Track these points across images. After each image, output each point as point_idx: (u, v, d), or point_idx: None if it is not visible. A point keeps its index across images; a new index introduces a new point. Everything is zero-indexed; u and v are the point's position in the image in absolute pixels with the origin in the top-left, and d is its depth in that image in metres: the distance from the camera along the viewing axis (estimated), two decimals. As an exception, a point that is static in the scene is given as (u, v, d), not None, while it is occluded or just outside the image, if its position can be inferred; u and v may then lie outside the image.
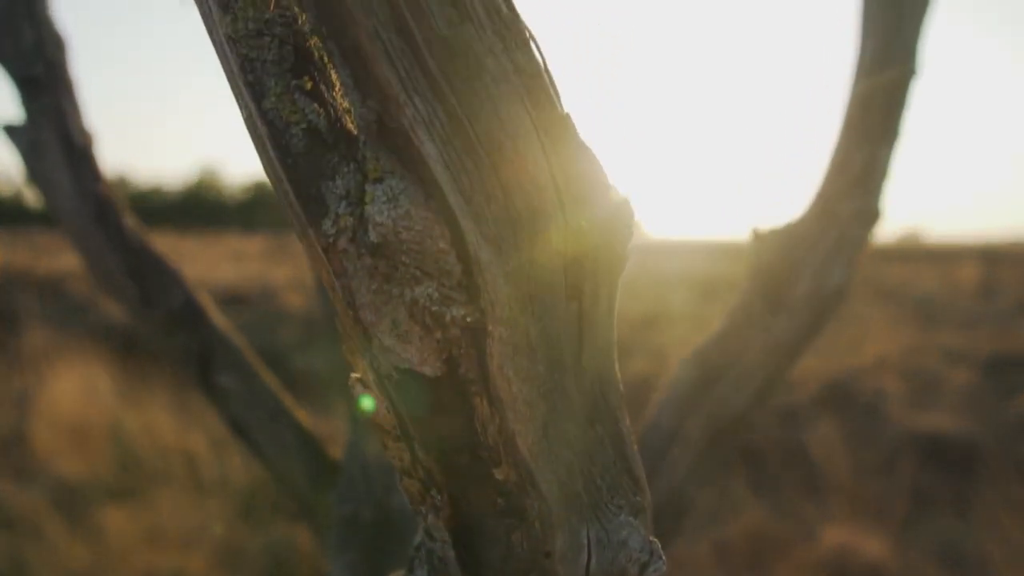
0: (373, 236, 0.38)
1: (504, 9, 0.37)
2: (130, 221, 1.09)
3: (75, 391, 4.44)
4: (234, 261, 12.37)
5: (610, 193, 0.43)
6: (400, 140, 0.38)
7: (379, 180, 0.38)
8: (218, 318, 1.13)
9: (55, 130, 1.03)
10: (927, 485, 3.93)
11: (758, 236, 1.18)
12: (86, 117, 1.09)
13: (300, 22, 0.39)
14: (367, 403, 0.42)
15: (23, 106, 1.04)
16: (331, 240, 0.40)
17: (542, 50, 0.40)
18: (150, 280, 1.08)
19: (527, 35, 0.38)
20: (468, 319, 0.40)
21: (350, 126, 0.41)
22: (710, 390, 1.14)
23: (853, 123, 1.15)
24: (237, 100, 0.40)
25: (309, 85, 0.39)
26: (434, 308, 0.39)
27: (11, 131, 1.06)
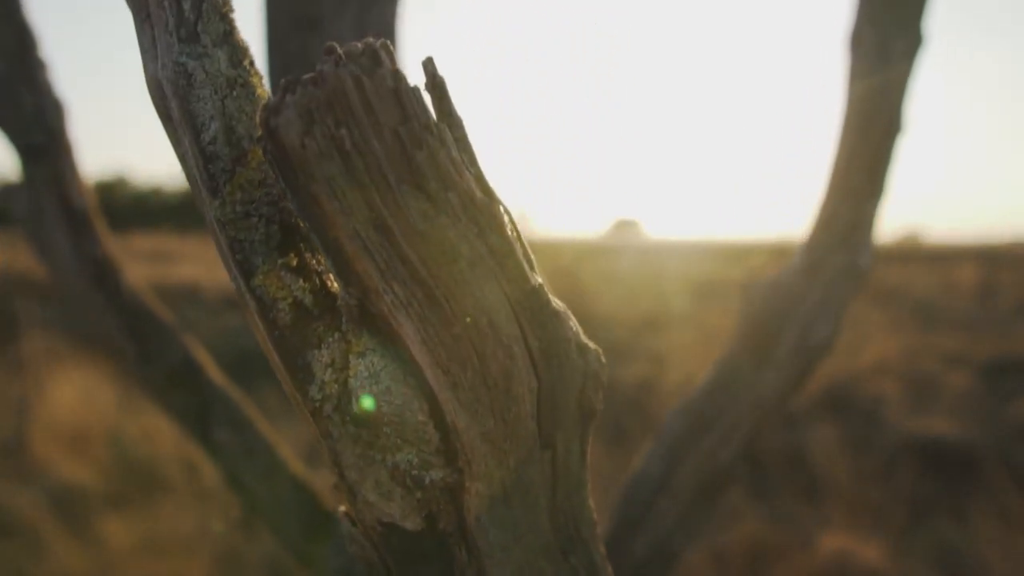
0: (356, 408, 0.40)
1: (478, 195, 0.39)
2: (129, 281, 1.11)
3: (75, 396, 4.45)
4: (234, 262, 12.30)
5: (583, 352, 0.45)
6: (380, 322, 0.40)
7: (362, 355, 0.41)
8: (215, 373, 1.15)
9: (55, 195, 1.05)
10: (926, 491, 3.94)
11: (746, 289, 1.20)
12: (85, 181, 1.11)
13: (287, 200, 0.41)
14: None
15: (23, 171, 1.06)
16: (317, 405, 0.42)
17: (516, 224, 0.43)
18: (149, 339, 1.10)
19: (501, 216, 0.40)
20: (447, 480, 0.42)
21: (336, 288, 0.43)
22: (697, 442, 1.16)
23: (839, 179, 1.17)
24: (228, 273, 0.42)
25: (295, 261, 0.41)
26: (414, 472, 0.42)
27: (11, 195, 1.08)
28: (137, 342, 1.09)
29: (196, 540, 3.16)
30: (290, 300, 0.41)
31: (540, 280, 0.43)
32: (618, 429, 4.57)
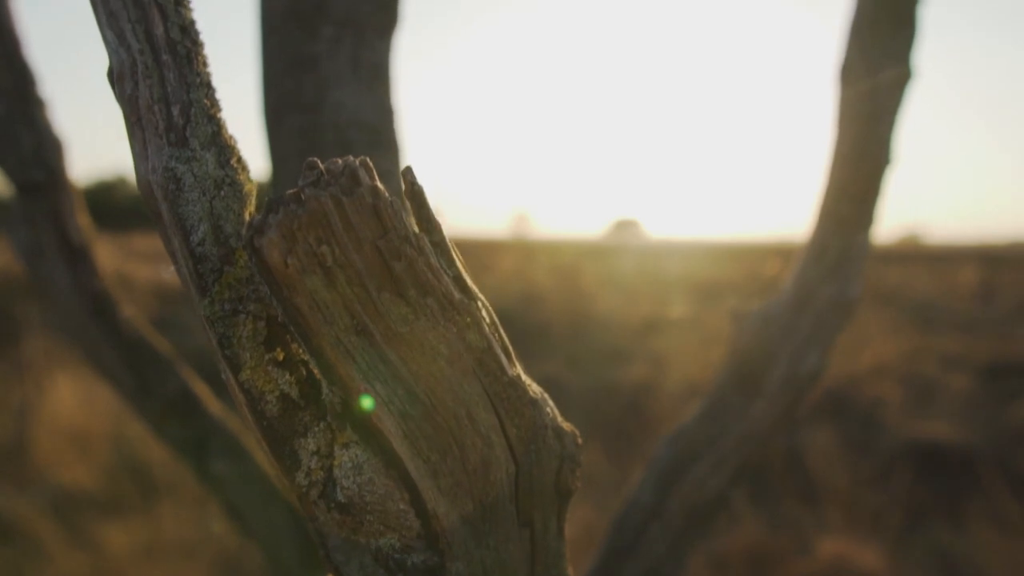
0: (340, 497, 0.42)
1: (456, 296, 0.41)
2: (127, 313, 1.13)
3: (76, 400, 4.46)
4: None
5: (559, 435, 0.46)
6: (363, 418, 0.41)
7: (346, 446, 0.42)
8: (213, 405, 1.17)
9: (53, 231, 1.07)
10: (924, 495, 3.94)
11: (736, 319, 1.21)
12: (83, 217, 1.12)
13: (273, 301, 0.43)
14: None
15: (22, 207, 1.08)
16: (304, 490, 0.43)
17: (494, 316, 0.44)
18: (147, 371, 1.12)
19: (478, 314, 0.42)
20: (428, 562, 0.44)
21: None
22: (688, 471, 1.17)
23: (829, 211, 1.18)
24: (218, 366, 0.43)
25: (281, 356, 0.43)
26: (397, 556, 0.43)
27: (11, 230, 1.09)
28: (135, 374, 1.11)
29: (196, 545, 3.18)
30: (277, 393, 0.43)
31: (517, 371, 0.44)
32: (618, 431, 4.59)
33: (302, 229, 0.36)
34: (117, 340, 1.10)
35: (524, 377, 0.45)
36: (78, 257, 1.09)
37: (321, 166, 0.37)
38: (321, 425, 0.43)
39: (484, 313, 0.43)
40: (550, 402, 0.47)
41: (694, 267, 12.75)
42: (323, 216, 0.36)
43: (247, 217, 0.43)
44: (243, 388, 0.43)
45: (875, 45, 1.17)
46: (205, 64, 0.43)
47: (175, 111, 0.41)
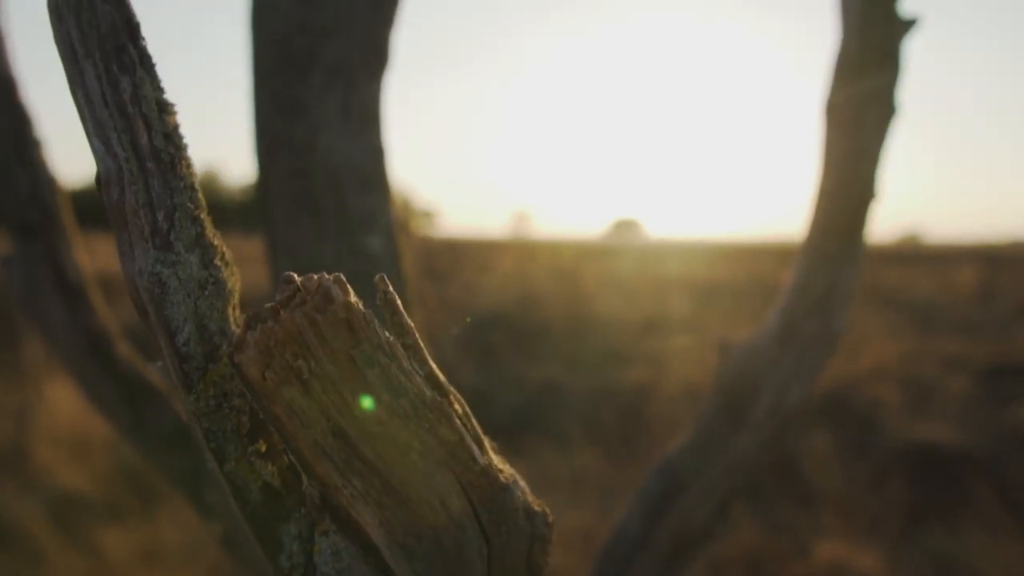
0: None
1: (428, 395, 0.43)
2: (123, 349, 1.15)
3: (75, 404, 4.47)
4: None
5: (530, 517, 0.49)
6: (341, 511, 0.44)
7: (325, 534, 0.44)
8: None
9: (50, 269, 1.09)
10: (922, 498, 3.94)
11: (722, 351, 1.23)
12: (79, 253, 1.15)
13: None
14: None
15: (19, 246, 1.10)
16: (286, 573, 0.46)
17: (466, 408, 0.46)
18: (142, 405, 1.14)
19: (449, 410, 0.44)
20: (404, 642, 0.46)
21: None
22: (675, 502, 1.20)
23: (814, 246, 1.20)
24: (204, 456, 0.46)
25: (264, 447, 0.45)
26: (374, 636, 0.45)
27: (7, 266, 1.12)
28: (131, 408, 1.13)
29: (194, 549, 3.20)
30: (260, 483, 0.45)
31: (489, 458, 0.47)
32: (617, 433, 4.60)
33: (278, 346, 0.38)
34: (114, 376, 1.12)
35: (496, 462, 0.47)
36: (75, 295, 1.11)
37: (297, 280, 0.39)
38: (302, 511, 0.46)
39: (456, 406, 0.45)
40: (521, 483, 0.49)
41: (694, 267, 12.75)
42: (298, 334, 0.38)
43: (231, 313, 0.46)
44: (228, 478, 0.45)
45: (859, 82, 1.19)
46: (189, 167, 0.45)
47: (160, 216, 0.43)
